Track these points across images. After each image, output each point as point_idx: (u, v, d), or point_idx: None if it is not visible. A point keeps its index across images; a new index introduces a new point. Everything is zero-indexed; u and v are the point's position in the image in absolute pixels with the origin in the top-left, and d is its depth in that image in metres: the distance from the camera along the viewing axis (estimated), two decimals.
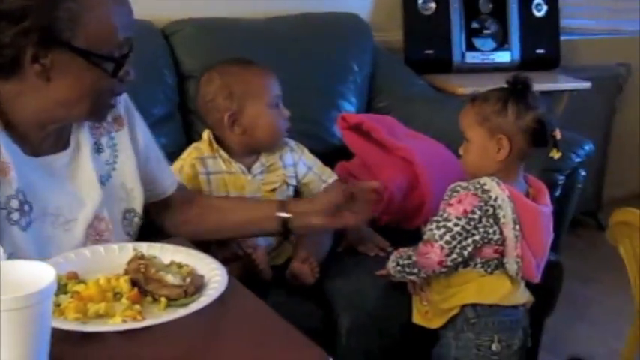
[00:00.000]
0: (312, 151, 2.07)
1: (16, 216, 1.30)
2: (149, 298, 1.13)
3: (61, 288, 1.11)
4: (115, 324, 1.05)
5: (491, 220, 1.62)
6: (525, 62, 3.06)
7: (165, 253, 1.24)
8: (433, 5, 2.95)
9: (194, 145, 1.96)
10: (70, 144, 1.40)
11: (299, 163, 2.02)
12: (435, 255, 1.63)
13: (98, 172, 1.42)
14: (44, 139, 1.36)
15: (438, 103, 2.63)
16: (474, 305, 1.69)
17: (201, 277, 1.17)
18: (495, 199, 1.61)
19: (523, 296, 1.74)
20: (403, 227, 2.12)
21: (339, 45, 2.59)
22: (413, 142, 2.20)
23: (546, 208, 1.71)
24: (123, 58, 1.32)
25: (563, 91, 3.04)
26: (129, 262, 1.18)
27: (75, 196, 1.39)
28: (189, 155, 1.92)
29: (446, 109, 2.52)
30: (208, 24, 2.45)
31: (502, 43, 3.06)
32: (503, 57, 3.06)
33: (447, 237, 1.61)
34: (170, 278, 1.13)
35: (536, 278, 1.71)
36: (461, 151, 1.73)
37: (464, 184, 1.66)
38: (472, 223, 1.61)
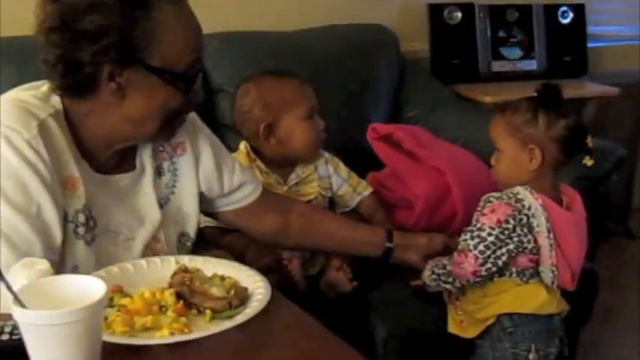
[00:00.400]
0: (342, 162, 2.08)
1: (82, 230, 1.32)
2: (194, 311, 1.14)
3: (107, 302, 1.12)
4: (162, 337, 1.05)
5: (525, 229, 1.61)
6: (552, 70, 3.06)
7: (207, 266, 1.25)
8: (459, 15, 2.96)
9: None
10: (135, 166, 1.42)
11: (334, 175, 2.04)
12: (469, 265, 1.62)
13: (158, 194, 1.44)
14: (110, 158, 1.38)
15: (466, 112, 2.63)
16: (510, 315, 1.68)
17: (245, 289, 1.18)
18: (529, 208, 1.61)
19: (559, 305, 1.73)
20: None
21: (366, 56, 2.60)
22: (444, 152, 2.20)
23: (580, 215, 1.70)
24: (194, 77, 1.34)
25: (591, 98, 3.03)
26: (173, 275, 1.19)
27: (135, 215, 1.41)
28: None
29: (474, 119, 2.53)
30: (235, 38, 2.47)
31: (528, 52, 3.06)
32: (530, 65, 3.07)
33: (481, 247, 1.61)
34: (215, 291, 1.14)
35: (572, 287, 1.70)
36: (493, 162, 1.72)
37: (497, 194, 1.65)
38: (506, 232, 1.60)
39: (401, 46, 2.73)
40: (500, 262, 1.62)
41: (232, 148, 2.02)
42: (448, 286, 1.71)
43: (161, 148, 1.46)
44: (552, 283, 1.66)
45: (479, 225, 1.63)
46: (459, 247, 1.65)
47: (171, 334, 1.06)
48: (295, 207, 1.70)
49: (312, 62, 2.45)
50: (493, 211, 1.62)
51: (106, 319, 1.09)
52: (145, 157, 1.44)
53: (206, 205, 1.56)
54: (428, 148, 2.20)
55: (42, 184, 1.24)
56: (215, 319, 1.12)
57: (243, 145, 1.99)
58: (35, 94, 1.32)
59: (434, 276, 1.71)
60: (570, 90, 2.79)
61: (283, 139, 1.93)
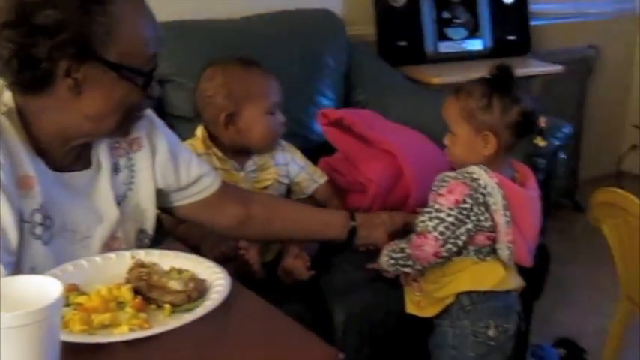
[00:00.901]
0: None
1: (39, 230, 1.30)
2: (153, 306, 1.12)
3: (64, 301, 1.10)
4: (122, 333, 1.04)
5: (482, 208, 1.63)
6: (497, 49, 3.09)
7: (164, 259, 1.24)
8: None
9: (187, 142, 1.95)
10: (91, 163, 1.40)
11: (290, 163, 2.05)
12: (429, 247, 1.63)
13: (115, 192, 1.42)
14: (66, 155, 1.36)
15: (415, 93, 2.65)
16: (468, 293, 1.70)
17: (203, 281, 1.17)
18: (485, 187, 1.62)
19: (516, 281, 1.76)
20: None
21: (313, 41, 2.59)
22: (394, 135, 2.21)
23: (534, 192, 1.72)
24: (152, 72, 1.32)
25: (535, 76, 3.07)
26: (129, 271, 1.17)
27: (92, 213, 1.39)
28: None
29: (423, 100, 2.55)
30: (182, 26, 2.44)
31: (473, 32, 3.08)
32: (476, 45, 3.09)
33: (441, 228, 1.62)
34: (173, 284, 1.13)
35: (529, 262, 1.73)
36: (446, 142, 1.73)
37: (452, 173, 1.66)
38: (464, 212, 1.62)
39: (348, 31, 2.72)
40: (460, 242, 1.64)
41: (184, 138, 2.01)
42: (407, 269, 1.72)
43: (117, 145, 1.44)
44: (509, 259, 1.68)
45: (437, 206, 1.64)
46: (418, 229, 1.66)
47: (131, 330, 1.05)
48: (255, 197, 1.70)
49: (260, 49, 2.42)
50: (450, 191, 1.63)
51: (62, 318, 1.07)
52: (102, 154, 1.41)
53: (163, 201, 1.53)
54: (379, 131, 2.21)
55: None
56: (175, 313, 1.11)
57: (199, 131, 1.98)
58: None
59: (392, 261, 1.72)
60: (515, 69, 2.84)
61: (242, 130, 1.94)
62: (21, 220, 1.27)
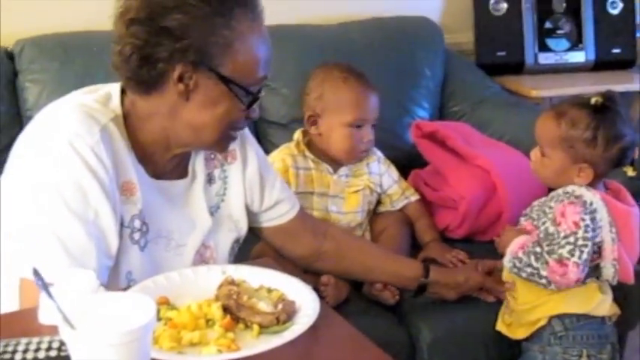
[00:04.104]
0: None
1: (137, 235, 1.33)
2: (241, 325, 1.12)
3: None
4: (210, 354, 1.04)
5: (593, 224, 1.58)
6: (600, 62, 2.98)
7: (253, 276, 1.23)
8: (505, 5, 2.89)
9: (285, 144, 2.04)
10: (188, 173, 1.43)
11: (385, 174, 2.07)
12: (573, 274, 1.57)
13: (208, 202, 1.44)
14: (167, 162, 1.38)
15: (512, 107, 2.58)
16: (561, 317, 1.66)
17: (292, 302, 1.15)
18: (591, 203, 1.58)
19: (612, 308, 1.70)
20: (477, 239, 2.09)
21: (410, 49, 2.56)
22: (489, 150, 2.16)
23: (635, 208, 1.67)
24: (259, 94, 1.34)
25: (639, 92, 2.95)
26: (219, 287, 1.17)
27: (186, 221, 1.41)
28: (280, 152, 2.00)
29: (520, 114, 2.48)
30: (277, 31, 2.40)
31: (576, 43, 2.97)
32: (578, 57, 2.98)
33: (577, 253, 1.57)
34: (262, 305, 1.12)
35: (632, 280, 1.66)
36: (533, 157, 1.69)
37: (550, 200, 1.62)
38: (588, 229, 1.57)
39: (445, 39, 2.68)
40: (588, 261, 1.59)
41: (276, 143, 2.09)
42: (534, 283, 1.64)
43: (212, 156, 1.46)
44: (613, 278, 1.63)
45: (562, 234, 1.58)
46: (555, 256, 1.58)
47: (219, 350, 1.04)
48: (330, 231, 1.69)
49: (355, 56, 2.40)
50: (563, 215, 1.58)
51: (153, 332, 1.08)
52: (198, 165, 1.44)
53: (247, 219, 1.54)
54: (473, 146, 2.16)
55: (101, 190, 1.24)
56: (262, 335, 1.10)
57: (297, 135, 2.04)
58: (96, 98, 1.32)
59: (515, 269, 1.65)
60: (618, 83, 2.74)
61: (323, 134, 1.98)
62: (121, 225, 1.29)
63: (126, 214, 1.31)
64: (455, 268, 1.90)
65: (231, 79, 1.28)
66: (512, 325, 1.73)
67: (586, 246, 1.57)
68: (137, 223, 1.33)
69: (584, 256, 1.57)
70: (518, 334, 1.72)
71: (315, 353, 1.09)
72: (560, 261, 1.58)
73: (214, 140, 1.35)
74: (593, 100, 1.61)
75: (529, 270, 1.62)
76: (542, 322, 1.67)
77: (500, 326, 1.75)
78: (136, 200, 1.32)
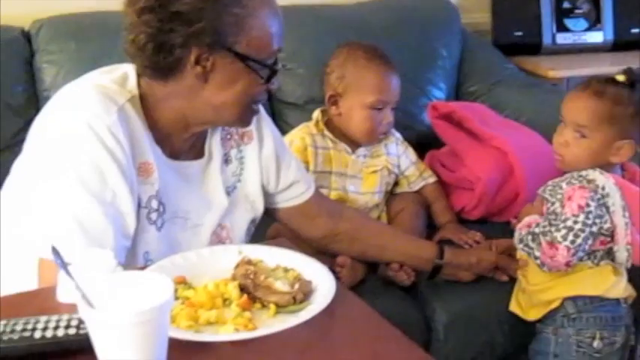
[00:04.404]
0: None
1: (154, 216, 1.34)
2: (257, 305, 1.12)
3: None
4: (227, 333, 1.04)
5: (603, 209, 1.57)
6: (619, 43, 2.95)
7: (270, 256, 1.23)
8: None
9: (304, 123, 2.03)
10: (204, 153, 1.43)
11: (402, 156, 2.07)
12: (561, 257, 1.58)
13: (225, 182, 1.45)
14: (183, 143, 1.39)
15: (529, 87, 2.56)
16: (574, 299, 1.65)
17: (309, 282, 1.16)
18: (603, 188, 1.57)
19: (627, 289, 1.69)
20: (493, 220, 2.09)
21: (426, 30, 2.54)
22: (506, 131, 2.15)
23: None
24: (276, 66, 1.34)
25: None
26: (236, 267, 1.17)
27: (203, 202, 1.42)
28: (299, 130, 2.00)
29: (537, 95, 2.47)
30: (294, 11, 2.41)
31: (594, 23, 2.95)
32: (596, 37, 2.95)
33: (570, 237, 1.57)
34: (279, 285, 1.12)
35: None
36: (564, 138, 1.64)
37: (563, 180, 1.62)
38: (590, 215, 1.56)
39: (462, 19, 2.65)
40: (586, 247, 1.58)
41: (293, 123, 2.06)
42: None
43: (229, 137, 1.46)
44: (627, 261, 1.62)
45: (563, 217, 1.58)
46: (547, 238, 1.59)
47: (236, 329, 1.05)
48: (345, 213, 1.70)
49: (370, 36, 2.38)
50: (570, 198, 1.58)
51: (170, 311, 1.08)
52: (214, 145, 1.44)
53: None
54: (489, 127, 2.15)
55: (119, 171, 1.25)
56: (279, 314, 1.11)
57: (316, 113, 2.03)
58: (113, 79, 1.32)
59: (520, 244, 1.66)
60: (637, 64, 2.70)
61: (343, 114, 1.97)
62: (138, 206, 1.30)
63: (143, 194, 1.31)
64: (469, 249, 1.90)
65: (247, 56, 1.28)
66: (525, 306, 1.73)
67: (583, 231, 1.56)
68: (154, 204, 1.33)
69: (579, 240, 1.56)
70: (531, 315, 1.72)
71: (332, 333, 1.09)
72: (552, 243, 1.58)
73: (237, 117, 1.35)
74: (621, 78, 1.60)
75: (526, 250, 1.63)
76: (555, 304, 1.67)
77: (513, 307, 1.76)
78: (153, 181, 1.32)
